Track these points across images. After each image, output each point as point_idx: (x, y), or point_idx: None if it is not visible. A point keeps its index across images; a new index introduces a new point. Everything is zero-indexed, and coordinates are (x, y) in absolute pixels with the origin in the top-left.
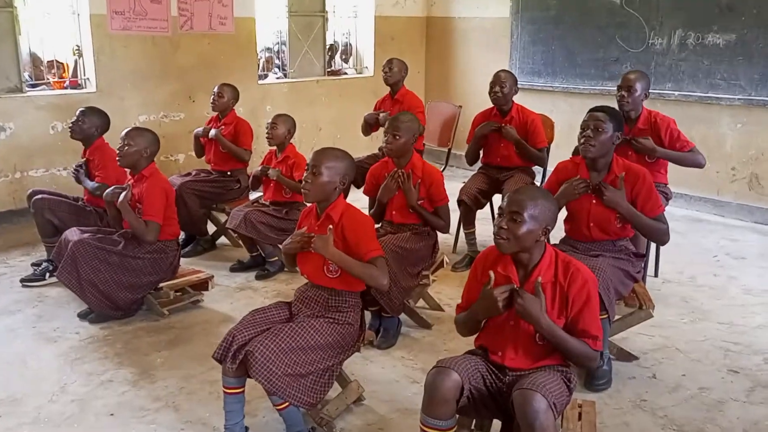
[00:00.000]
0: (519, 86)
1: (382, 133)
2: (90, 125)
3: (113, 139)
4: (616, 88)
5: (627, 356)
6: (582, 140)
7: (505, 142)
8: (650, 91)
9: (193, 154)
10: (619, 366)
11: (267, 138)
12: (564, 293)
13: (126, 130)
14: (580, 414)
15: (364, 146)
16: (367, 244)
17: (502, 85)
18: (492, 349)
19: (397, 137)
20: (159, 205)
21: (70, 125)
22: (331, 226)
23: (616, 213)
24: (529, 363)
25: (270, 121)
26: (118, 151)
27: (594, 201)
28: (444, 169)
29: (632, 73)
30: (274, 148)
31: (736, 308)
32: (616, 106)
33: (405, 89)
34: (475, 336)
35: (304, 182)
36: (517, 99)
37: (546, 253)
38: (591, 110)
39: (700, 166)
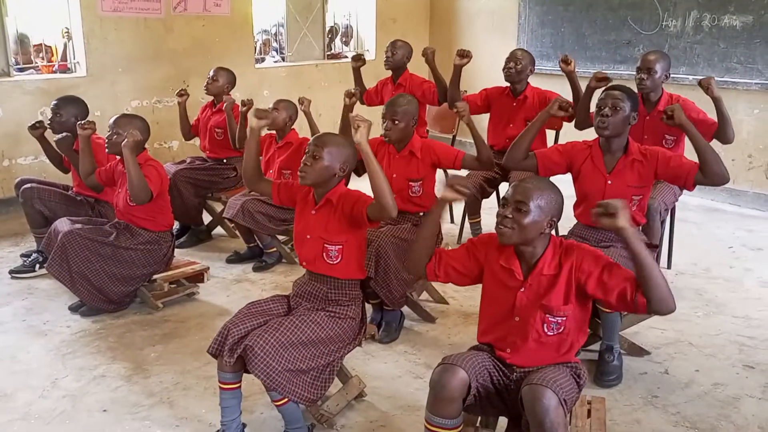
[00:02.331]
0: None
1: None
2: (68, 116)
3: (103, 126)
4: (635, 70)
5: (638, 351)
6: (598, 118)
7: (514, 122)
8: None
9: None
10: (630, 361)
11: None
12: (571, 272)
13: (114, 118)
14: (589, 411)
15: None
16: (366, 197)
17: (516, 62)
18: (499, 346)
19: (397, 122)
20: (155, 181)
21: (48, 123)
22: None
23: (631, 195)
24: (537, 360)
25: (271, 106)
26: (106, 140)
27: (609, 182)
28: None
29: (652, 53)
30: (273, 132)
31: (751, 301)
32: (634, 88)
33: (408, 73)
34: (480, 330)
35: (302, 164)
36: None
37: (550, 245)
38: (607, 89)
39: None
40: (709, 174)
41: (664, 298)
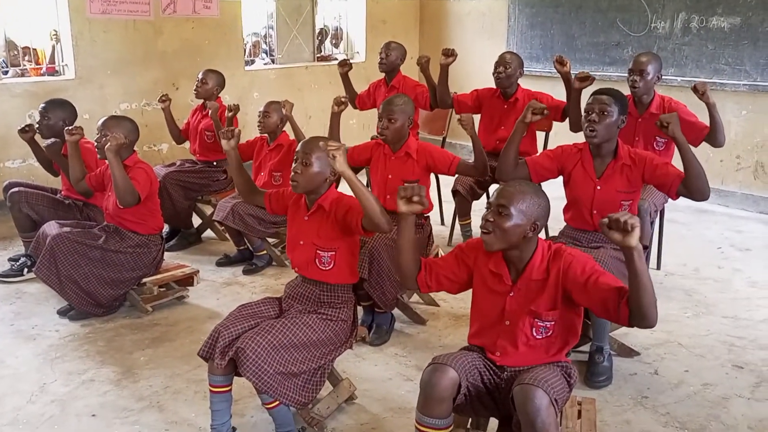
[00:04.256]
0: None
1: (376, 120)
2: (56, 120)
3: (92, 129)
4: (627, 72)
5: (628, 352)
6: (586, 124)
7: (505, 125)
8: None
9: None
10: (619, 362)
11: (258, 126)
12: (558, 277)
13: (102, 120)
14: (579, 412)
15: (355, 135)
16: (357, 207)
17: (506, 66)
18: (489, 349)
19: (393, 121)
20: (143, 184)
21: (37, 127)
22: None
23: (620, 200)
24: (527, 362)
25: (262, 109)
26: (95, 143)
27: (598, 187)
28: None
29: (644, 55)
30: (266, 135)
31: (740, 301)
32: (623, 90)
33: (401, 75)
34: (471, 333)
35: (293, 172)
36: None
37: (538, 249)
38: (594, 93)
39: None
40: (691, 188)
41: (650, 316)
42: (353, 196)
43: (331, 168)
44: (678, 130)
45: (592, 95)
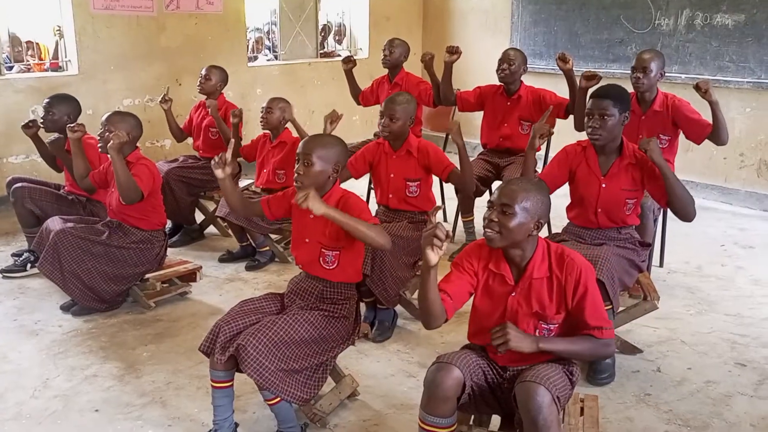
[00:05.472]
0: None
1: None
2: (60, 115)
3: (95, 124)
4: (630, 70)
5: (631, 349)
6: (589, 129)
7: (508, 122)
8: None
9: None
10: (622, 359)
11: (261, 123)
12: (561, 285)
13: (106, 115)
14: (582, 409)
15: (358, 131)
16: (361, 216)
17: (510, 63)
18: (491, 349)
19: (395, 120)
20: (146, 181)
21: (41, 121)
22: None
23: (625, 198)
24: (530, 360)
25: (265, 105)
26: (98, 138)
27: (604, 185)
28: None
29: (646, 52)
30: (268, 132)
31: (743, 299)
32: (627, 87)
33: (404, 72)
34: (470, 332)
35: (296, 174)
36: None
37: (538, 248)
38: (593, 95)
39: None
40: (673, 210)
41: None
42: (358, 196)
43: (333, 165)
44: (657, 156)
45: (590, 97)
